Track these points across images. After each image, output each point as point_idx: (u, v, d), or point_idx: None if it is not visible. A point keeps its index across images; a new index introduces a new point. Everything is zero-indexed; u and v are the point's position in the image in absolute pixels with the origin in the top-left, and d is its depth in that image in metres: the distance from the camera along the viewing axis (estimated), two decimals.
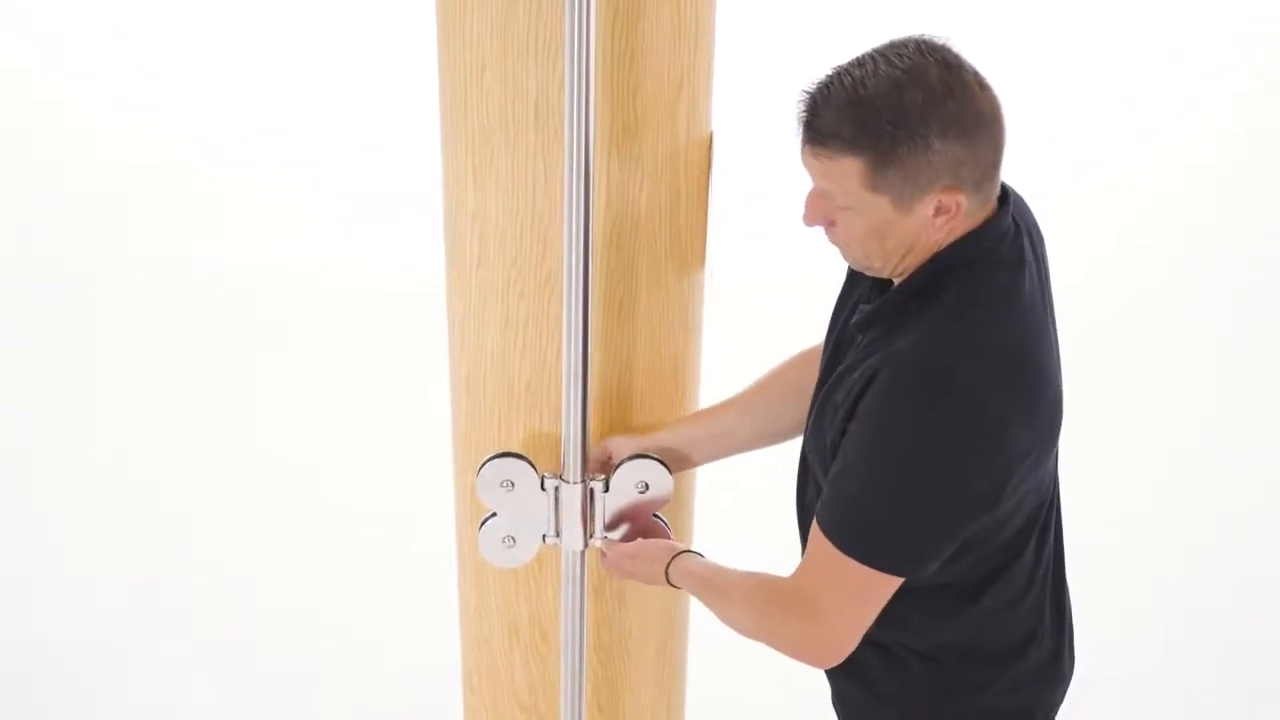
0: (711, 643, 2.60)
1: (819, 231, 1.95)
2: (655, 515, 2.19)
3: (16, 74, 6.77)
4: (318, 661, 3.79)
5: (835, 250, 1.98)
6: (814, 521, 1.95)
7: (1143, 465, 4.52)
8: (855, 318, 2.00)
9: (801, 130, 1.86)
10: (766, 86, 4.13)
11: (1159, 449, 4.61)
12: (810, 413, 2.06)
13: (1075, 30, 6.99)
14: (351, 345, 5.10)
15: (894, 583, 1.92)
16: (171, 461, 4.54)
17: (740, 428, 2.24)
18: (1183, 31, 6.96)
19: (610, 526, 2.18)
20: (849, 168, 1.82)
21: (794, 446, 2.20)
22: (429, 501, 3.10)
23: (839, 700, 2.24)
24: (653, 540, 2.16)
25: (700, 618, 2.28)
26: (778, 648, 2.02)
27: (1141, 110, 6.48)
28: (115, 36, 7.02)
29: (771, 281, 5.07)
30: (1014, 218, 1.96)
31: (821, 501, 1.94)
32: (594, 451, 2.16)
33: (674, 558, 2.10)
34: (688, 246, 2.13)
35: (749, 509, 3.59)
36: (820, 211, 1.90)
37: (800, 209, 1.93)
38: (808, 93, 1.85)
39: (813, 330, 2.26)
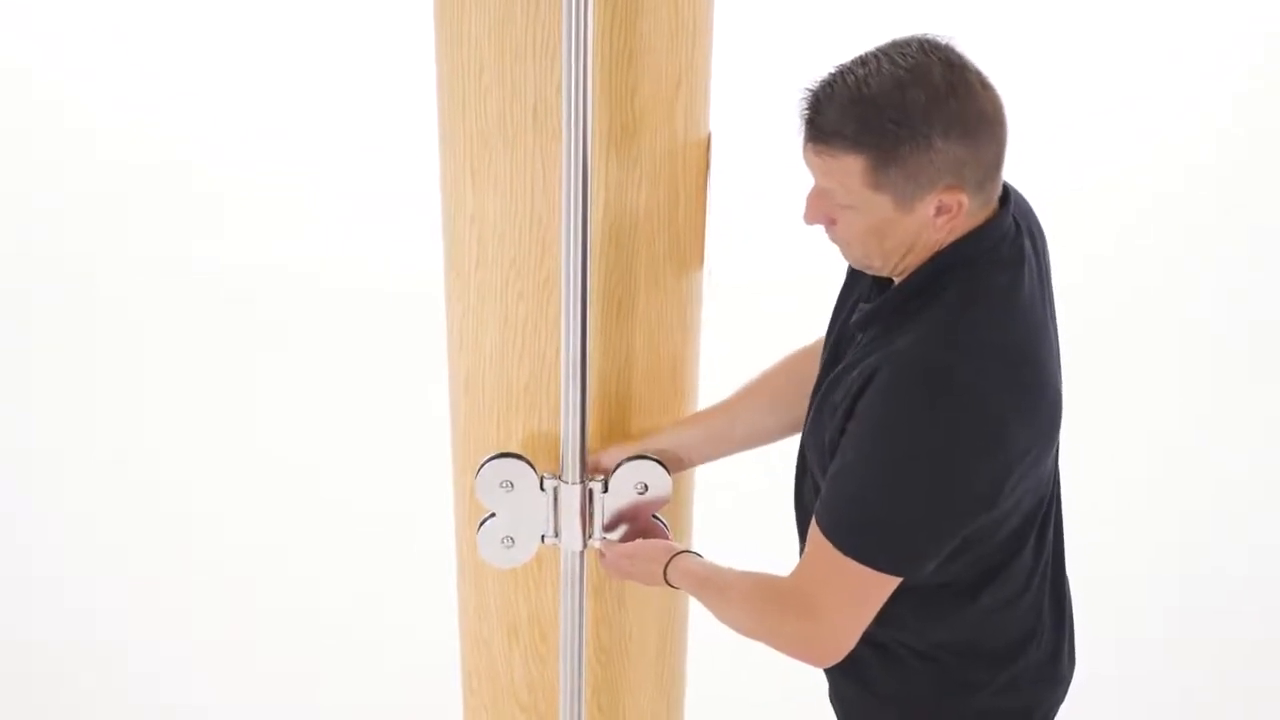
0: (711, 643, 2.61)
1: (819, 230, 1.95)
2: (654, 516, 2.19)
3: (16, 74, 6.77)
4: (318, 661, 3.79)
5: (834, 250, 1.98)
6: (813, 520, 1.95)
7: (1141, 465, 4.52)
8: (855, 316, 2.00)
9: (804, 128, 1.86)
10: (765, 86, 4.13)
11: (1157, 448, 4.61)
12: (809, 411, 2.06)
13: (1075, 30, 6.99)
14: (351, 345, 5.10)
15: (893, 582, 1.92)
16: (171, 461, 4.54)
17: (731, 431, 2.24)
18: (1183, 31, 6.96)
19: (609, 527, 2.18)
20: (851, 166, 1.82)
21: (793, 446, 2.21)
22: (429, 502, 3.09)
23: (837, 698, 2.24)
24: (651, 541, 2.16)
25: (699, 618, 2.28)
26: (776, 647, 2.02)
27: (1141, 110, 6.48)
28: (115, 36, 7.02)
29: (770, 281, 5.07)
30: (1015, 217, 1.96)
31: (820, 500, 1.94)
32: (591, 456, 2.16)
33: (672, 558, 2.10)
34: (686, 246, 2.14)
35: (748, 509, 3.59)
36: (821, 210, 1.90)
37: (800, 207, 1.93)
38: (810, 90, 1.85)
39: (812, 330, 2.27)
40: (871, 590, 1.92)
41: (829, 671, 2.19)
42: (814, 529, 1.94)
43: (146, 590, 4.03)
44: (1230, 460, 4.54)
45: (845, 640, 1.97)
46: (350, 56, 6.83)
